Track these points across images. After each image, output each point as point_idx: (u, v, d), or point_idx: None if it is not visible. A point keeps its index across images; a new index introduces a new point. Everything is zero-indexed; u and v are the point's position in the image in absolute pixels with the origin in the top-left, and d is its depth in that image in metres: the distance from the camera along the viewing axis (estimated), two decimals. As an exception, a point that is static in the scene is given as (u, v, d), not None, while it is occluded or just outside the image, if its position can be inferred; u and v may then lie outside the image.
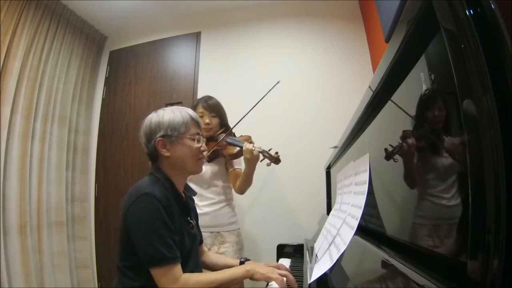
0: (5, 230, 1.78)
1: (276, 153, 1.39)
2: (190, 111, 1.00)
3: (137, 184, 0.93)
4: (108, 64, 2.70)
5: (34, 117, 2.04)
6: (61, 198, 2.20)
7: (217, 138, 1.53)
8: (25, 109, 1.99)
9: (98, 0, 2.30)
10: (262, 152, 1.39)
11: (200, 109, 1.54)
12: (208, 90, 2.38)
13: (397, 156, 0.54)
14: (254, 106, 1.51)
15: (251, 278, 0.91)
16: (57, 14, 2.27)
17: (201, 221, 1.50)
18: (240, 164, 1.56)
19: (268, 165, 1.39)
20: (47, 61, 2.17)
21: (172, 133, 0.94)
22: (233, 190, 1.59)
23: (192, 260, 0.96)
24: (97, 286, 2.33)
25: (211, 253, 1.27)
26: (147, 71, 2.58)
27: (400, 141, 0.52)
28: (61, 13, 2.30)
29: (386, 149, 0.58)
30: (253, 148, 1.37)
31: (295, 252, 1.53)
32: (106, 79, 2.68)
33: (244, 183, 1.48)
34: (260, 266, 0.93)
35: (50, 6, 2.20)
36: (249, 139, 1.51)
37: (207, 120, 1.53)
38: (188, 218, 1.00)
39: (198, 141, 0.98)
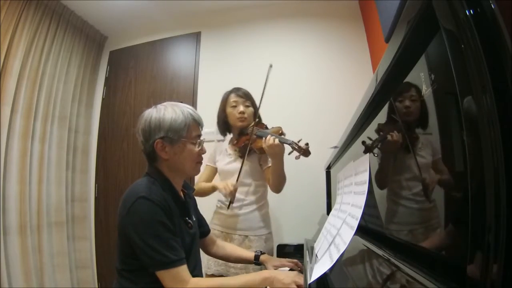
0: (5, 230, 1.78)
1: (306, 144, 1.25)
2: (191, 111, 0.93)
3: (132, 186, 0.88)
4: (108, 64, 2.71)
5: (34, 117, 2.04)
6: (61, 198, 2.20)
7: (248, 131, 1.42)
8: (25, 109, 1.99)
9: (98, 0, 2.30)
10: (291, 144, 1.27)
11: (234, 98, 1.46)
12: (208, 90, 2.39)
13: (396, 156, 0.54)
14: (262, 96, 1.40)
15: (270, 286, 0.85)
16: (57, 14, 2.27)
17: (230, 223, 1.42)
18: None
19: (297, 158, 1.26)
20: (47, 61, 2.17)
21: (173, 136, 0.88)
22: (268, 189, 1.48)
23: (192, 260, 0.94)
24: (97, 286, 2.33)
25: (225, 243, 1.22)
26: (147, 71, 2.58)
27: (400, 141, 0.52)
28: (61, 13, 2.30)
29: (385, 149, 0.58)
30: (273, 140, 1.26)
31: (295, 252, 1.53)
32: (106, 79, 2.68)
33: (276, 180, 1.37)
34: (280, 274, 0.88)
35: (50, 6, 2.20)
36: (279, 131, 1.40)
37: (241, 109, 1.44)
38: (187, 218, 0.96)
39: (199, 145, 0.94)
